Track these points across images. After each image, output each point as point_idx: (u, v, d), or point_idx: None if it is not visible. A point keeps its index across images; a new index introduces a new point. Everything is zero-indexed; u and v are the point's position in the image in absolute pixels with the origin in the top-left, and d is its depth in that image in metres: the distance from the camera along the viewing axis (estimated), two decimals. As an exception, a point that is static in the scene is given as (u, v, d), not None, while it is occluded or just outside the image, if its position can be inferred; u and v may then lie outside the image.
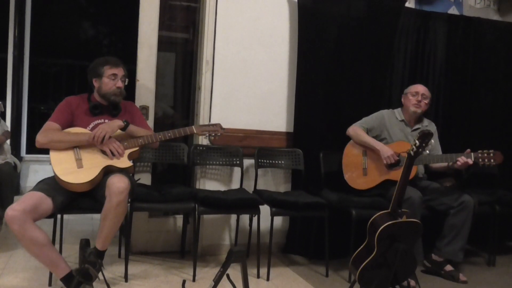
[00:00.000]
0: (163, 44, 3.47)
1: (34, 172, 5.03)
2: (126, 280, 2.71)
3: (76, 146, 2.51)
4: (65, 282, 2.34)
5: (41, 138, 2.48)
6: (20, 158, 4.91)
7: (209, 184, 3.35)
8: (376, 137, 3.21)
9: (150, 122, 3.18)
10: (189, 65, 3.67)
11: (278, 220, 3.48)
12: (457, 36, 3.76)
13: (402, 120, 3.26)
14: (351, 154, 3.23)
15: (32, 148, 5.03)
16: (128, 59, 3.18)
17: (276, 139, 3.45)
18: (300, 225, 3.43)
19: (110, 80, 2.64)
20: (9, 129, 4.06)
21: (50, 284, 2.57)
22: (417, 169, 3.12)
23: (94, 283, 2.37)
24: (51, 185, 2.44)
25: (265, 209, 2.95)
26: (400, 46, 3.64)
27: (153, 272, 2.92)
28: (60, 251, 2.56)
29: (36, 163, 5.06)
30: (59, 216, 2.55)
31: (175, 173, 3.66)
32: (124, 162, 2.54)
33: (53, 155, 2.47)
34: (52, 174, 2.47)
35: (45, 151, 2.50)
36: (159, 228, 3.35)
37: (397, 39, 3.60)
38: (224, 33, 3.30)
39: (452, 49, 3.75)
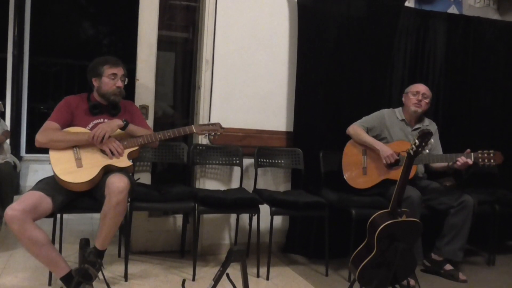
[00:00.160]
0: (163, 44, 3.46)
1: (34, 171, 5.03)
2: (126, 280, 2.71)
3: (76, 145, 2.51)
4: (65, 282, 2.34)
5: (40, 138, 2.48)
6: (20, 158, 4.91)
7: (209, 183, 3.35)
8: (376, 137, 3.21)
9: (150, 122, 3.18)
10: (189, 64, 3.67)
11: (278, 220, 3.48)
12: (456, 35, 3.76)
13: (403, 120, 3.26)
14: (351, 153, 3.22)
15: (32, 148, 5.03)
16: (127, 58, 3.18)
17: (276, 138, 3.45)
18: (300, 225, 3.43)
19: (110, 79, 2.64)
20: (8, 129, 4.05)
21: (50, 284, 2.57)
22: (417, 169, 3.13)
23: (94, 283, 2.36)
24: (51, 185, 2.44)
25: (265, 209, 2.95)
26: (400, 46, 3.64)
27: (153, 271, 2.92)
28: (60, 251, 2.56)
29: (35, 163, 5.06)
30: (58, 215, 2.55)
31: (174, 172, 3.66)
32: (123, 162, 2.54)
33: (52, 154, 2.47)
34: (52, 174, 2.47)
35: (45, 150, 2.50)
36: (159, 228, 3.35)
37: (397, 38, 3.59)
38: (224, 32, 3.29)
39: (452, 49, 3.75)
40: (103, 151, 2.52)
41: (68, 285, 2.32)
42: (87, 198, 2.53)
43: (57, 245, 2.55)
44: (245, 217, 3.35)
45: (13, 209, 2.22)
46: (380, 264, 2.44)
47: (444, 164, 3.08)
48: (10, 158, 3.83)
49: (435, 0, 3.82)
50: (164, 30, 3.52)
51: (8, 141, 3.94)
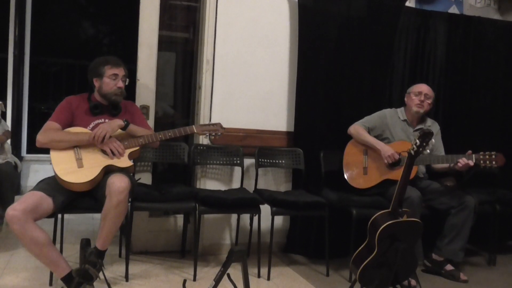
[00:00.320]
0: (164, 44, 3.47)
1: (35, 171, 5.03)
2: (126, 280, 2.71)
3: (77, 145, 2.51)
4: (65, 282, 2.34)
5: (41, 138, 2.48)
6: (21, 158, 4.91)
7: (209, 183, 3.35)
8: (378, 137, 3.20)
9: (151, 122, 3.18)
10: (189, 64, 3.67)
11: (279, 220, 3.47)
12: (457, 35, 3.76)
13: (405, 120, 3.25)
14: (352, 153, 3.22)
15: (33, 148, 5.03)
16: (128, 58, 3.18)
17: (276, 138, 3.45)
18: (300, 225, 3.43)
19: (111, 80, 2.64)
20: (9, 129, 4.05)
21: (50, 284, 2.57)
22: (418, 169, 3.12)
23: (94, 283, 2.37)
24: (52, 185, 2.44)
25: (265, 209, 2.95)
26: (400, 46, 3.63)
27: (154, 271, 2.92)
28: (61, 251, 2.57)
29: (36, 163, 5.06)
30: (59, 215, 2.54)
31: (175, 172, 3.66)
32: (124, 162, 2.54)
33: (53, 154, 2.47)
34: (53, 174, 2.47)
35: (46, 150, 2.50)
36: (159, 228, 3.35)
37: (397, 38, 3.59)
38: (224, 32, 3.29)
39: (452, 48, 3.75)
40: (103, 151, 2.52)
41: (69, 285, 2.32)
42: (87, 198, 2.53)
43: (58, 245, 2.55)
44: (245, 217, 3.36)
45: (14, 209, 2.22)
46: (381, 264, 2.43)
47: (446, 165, 3.06)
48: (11, 158, 3.84)
49: (435, 0, 3.82)
50: (165, 30, 3.52)
51: (9, 141, 3.95)
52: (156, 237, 3.32)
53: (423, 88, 3.21)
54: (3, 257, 2.99)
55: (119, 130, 2.58)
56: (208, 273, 2.95)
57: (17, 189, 4.35)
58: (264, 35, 3.39)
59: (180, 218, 3.38)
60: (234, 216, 3.40)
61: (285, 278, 2.98)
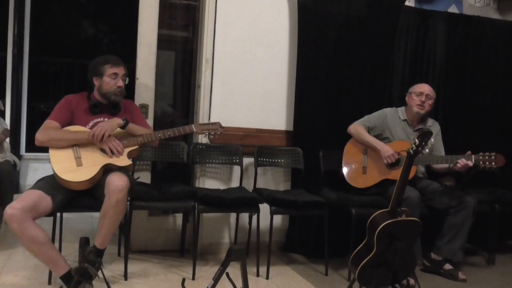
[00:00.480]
0: (163, 43, 3.46)
1: (34, 170, 5.03)
2: (125, 279, 2.71)
3: (76, 144, 2.51)
4: (64, 281, 2.34)
5: (40, 136, 2.48)
6: (20, 157, 4.90)
7: (208, 182, 3.35)
8: (378, 136, 3.20)
9: (150, 121, 3.18)
10: (189, 63, 3.67)
11: (278, 219, 3.48)
12: (457, 34, 3.76)
13: (405, 120, 3.25)
14: (351, 152, 3.22)
15: (32, 147, 5.02)
16: (127, 57, 3.18)
17: (275, 137, 3.45)
18: (299, 224, 3.43)
19: (111, 79, 2.63)
20: (8, 128, 4.05)
21: (49, 283, 2.57)
22: (417, 169, 3.12)
23: (93, 282, 2.36)
24: (51, 184, 2.44)
25: (264, 208, 2.95)
26: (400, 45, 3.64)
27: (153, 270, 2.92)
28: (60, 250, 2.57)
29: (35, 162, 5.05)
30: (58, 214, 2.55)
31: (174, 171, 3.66)
32: (123, 161, 2.54)
33: (52, 153, 2.47)
34: (52, 173, 2.47)
35: (45, 149, 2.50)
36: (158, 227, 3.35)
37: (397, 38, 3.59)
38: (224, 31, 3.29)
39: (452, 48, 3.75)
40: (103, 150, 2.52)
41: (68, 284, 2.32)
42: (87, 197, 2.53)
43: (57, 244, 2.55)
44: (245, 216, 3.35)
45: (13, 208, 2.21)
46: (380, 264, 2.44)
47: (445, 165, 3.06)
48: (10, 157, 3.84)
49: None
50: (164, 29, 3.52)
51: (8, 140, 3.95)
52: (155, 236, 3.32)
53: (425, 88, 3.20)
54: (2, 256, 2.99)
55: (119, 129, 2.58)
56: (207, 272, 2.95)
57: (16, 188, 4.36)
58: (264, 35, 3.39)
59: (179, 217, 3.38)
60: (233, 215, 3.40)
61: (284, 277, 2.98)
